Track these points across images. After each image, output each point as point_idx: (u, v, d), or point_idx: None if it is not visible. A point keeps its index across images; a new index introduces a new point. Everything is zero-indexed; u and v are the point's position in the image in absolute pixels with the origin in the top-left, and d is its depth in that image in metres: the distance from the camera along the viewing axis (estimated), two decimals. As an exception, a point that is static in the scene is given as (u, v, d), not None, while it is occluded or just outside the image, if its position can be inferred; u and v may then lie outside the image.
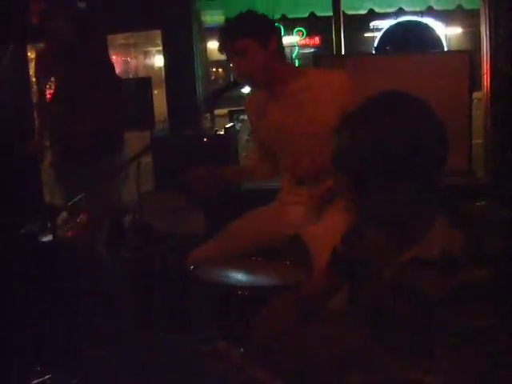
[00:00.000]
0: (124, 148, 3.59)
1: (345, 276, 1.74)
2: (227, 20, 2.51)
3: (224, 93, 2.53)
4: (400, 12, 6.62)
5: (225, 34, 2.48)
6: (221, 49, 2.48)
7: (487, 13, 4.19)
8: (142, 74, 10.89)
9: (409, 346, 1.44)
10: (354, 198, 1.49)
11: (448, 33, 10.35)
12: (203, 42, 5.38)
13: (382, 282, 1.52)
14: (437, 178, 1.46)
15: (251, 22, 2.46)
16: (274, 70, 2.47)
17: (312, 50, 12.65)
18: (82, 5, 3.66)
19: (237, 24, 2.46)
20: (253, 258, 2.55)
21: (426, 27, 8.61)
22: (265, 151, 2.72)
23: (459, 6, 5.94)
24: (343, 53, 4.66)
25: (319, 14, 5.86)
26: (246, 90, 2.90)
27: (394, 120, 1.41)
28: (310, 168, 2.50)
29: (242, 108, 4.99)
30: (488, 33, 4.19)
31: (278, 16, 5.85)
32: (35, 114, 3.67)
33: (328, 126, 2.41)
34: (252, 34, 2.42)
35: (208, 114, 4.51)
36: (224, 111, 5.10)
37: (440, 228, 1.46)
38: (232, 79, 2.67)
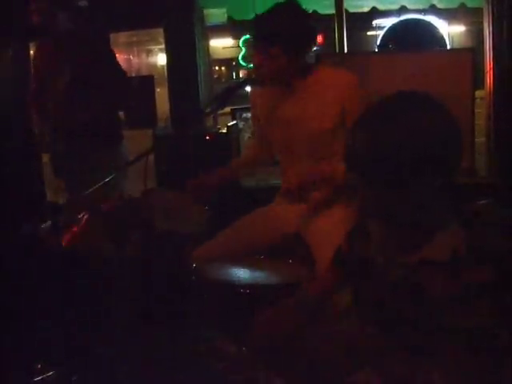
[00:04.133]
0: (122, 142, 3.59)
1: (348, 274, 1.74)
2: (267, 15, 2.43)
3: (235, 91, 2.53)
4: (403, 10, 6.61)
5: (261, 32, 2.43)
6: (252, 42, 2.46)
7: (490, 11, 4.19)
8: (144, 72, 10.88)
9: (416, 345, 1.43)
10: (367, 197, 1.48)
11: (451, 31, 10.32)
12: (206, 40, 5.38)
13: (390, 281, 1.51)
14: (452, 179, 1.45)
15: (293, 29, 2.40)
16: (295, 69, 2.47)
17: (314, 48, 12.64)
18: (83, 3, 3.66)
19: (277, 28, 2.39)
20: (256, 257, 2.55)
21: (429, 25, 8.58)
22: (264, 142, 2.73)
23: (462, 4, 5.93)
24: (346, 51, 4.66)
25: (322, 12, 5.84)
26: (250, 88, 2.90)
27: (410, 120, 1.39)
28: (309, 165, 2.51)
29: (245, 106, 5.00)
30: (491, 31, 4.18)
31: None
32: (35, 109, 3.68)
33: (330, 124, 2.44)
34: (291, 43, 2.39)
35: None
36: (227, 109, 5.09)
37: (449, 228, 1.45)
38: (241, 77, 2.67)
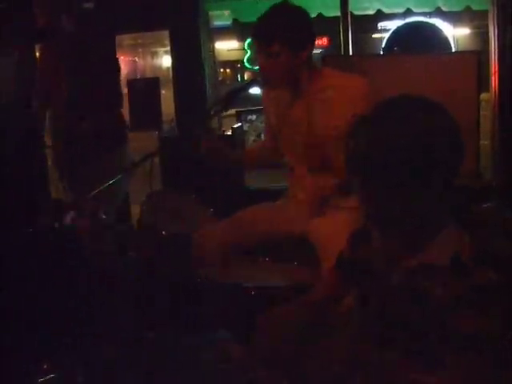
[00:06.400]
0: (127, 146, 3.60)
1: (351, 278, 1.73)
2: (264, 16, 2.42)
3: (240, 93, 2.52)
4: (408, 13, 6.61)
5: (260, 33, 2.43)
6: (253, 45, 2.46)
7: (496, 14, 4.19)
8: (149, 74, 10.93)
9: (417, 349, 1.43)
10: (367, 201, 1.48)
11: (456, 34, 10.31)
12: (211, 42, 5.39)
13: (390, 286, 1.51)
14: (451, 183, 1.44)
15: (290, 25, 2.39)
16: (302, 71, 2.47)
17: (320, 51, 12.65)
18: (88, 5, 3.66)
19: (274, 25, 2.38)
20: (261, 259, 2.55)
21: (434, 28, 8.60)
22: (274, 142, 2.74)
23: (468, 7, 5.94)
24: (351, 53, 4.66)
25: (327, 14, 5.85)
26: (255, 90, 2.90)
27: (410, 123, 1.39)
28: (316, 168, 2.51)
29: (250, 108, 5.01)
30: (496, 34, 4.18)
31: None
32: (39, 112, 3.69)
33: (341, 128, 2.43)
34: (288, 39, 2.37)
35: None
36: (232, 111, 5.11)
37: (450, 232, 1.44)
38: (246, 79, 2.69)
